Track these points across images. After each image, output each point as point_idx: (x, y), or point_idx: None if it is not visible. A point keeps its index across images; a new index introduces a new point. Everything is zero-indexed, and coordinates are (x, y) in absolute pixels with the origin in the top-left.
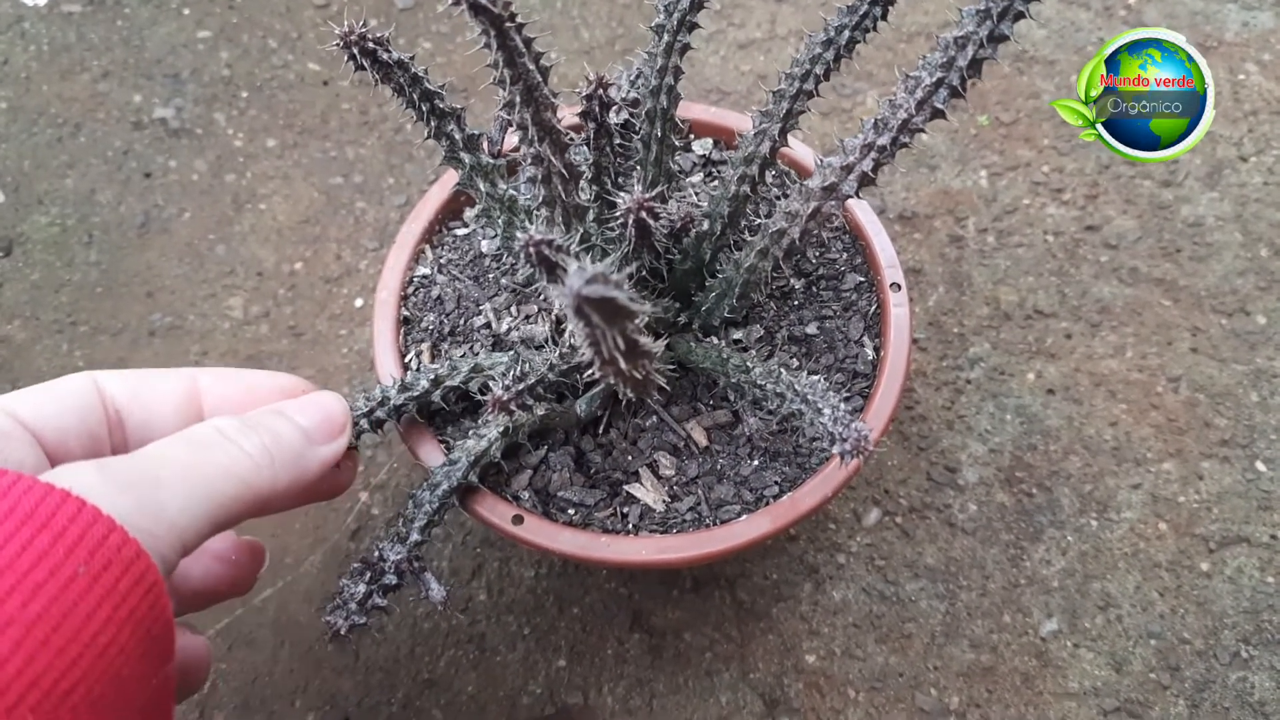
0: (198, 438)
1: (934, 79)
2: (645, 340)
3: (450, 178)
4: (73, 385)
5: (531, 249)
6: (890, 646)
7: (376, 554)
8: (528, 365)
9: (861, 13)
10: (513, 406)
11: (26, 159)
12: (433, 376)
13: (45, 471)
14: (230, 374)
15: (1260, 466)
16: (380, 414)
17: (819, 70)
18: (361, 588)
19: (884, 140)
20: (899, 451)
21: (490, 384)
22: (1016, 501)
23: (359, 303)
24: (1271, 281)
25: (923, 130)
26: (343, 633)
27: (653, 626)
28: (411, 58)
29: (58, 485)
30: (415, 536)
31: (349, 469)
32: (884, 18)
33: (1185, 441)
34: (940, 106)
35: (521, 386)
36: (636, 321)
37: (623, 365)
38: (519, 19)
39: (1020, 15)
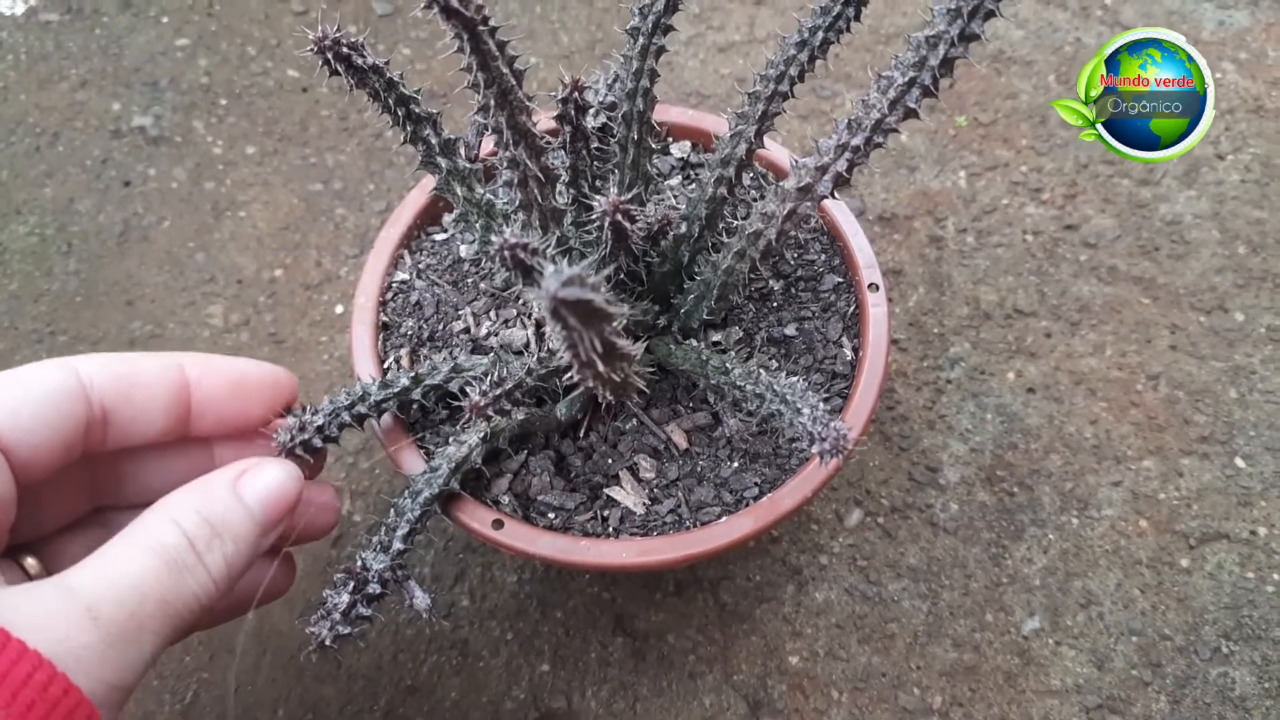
0: (174, 557)
1: (906, 78)
2: (623, 342)
3: (428, 182)
4: (53, 384)
5: (506, 252)
6: (873, 646)
7: (360, 563)
8: (505, 370)
9: (834, 14)
10: (490, 411)
11: (4, 168)
12: (413, 375)
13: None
14: (218, 365)
15: (1239, 462)
16: (361, 409)
17: (793, 72)
18: (345, 598)
19: (858, 140)
20: (880, 452)
21: (468, 387)
22: (998, 500)
23: (339, 309)
24: (1249, 278)
25: (896, 130)
26: (327, 643)
27: (636, 630)
28: (386, 63)
29: (43, 649)
30: (398, 545)
31: (286, 578)
32: (857, 18)
33: (1165, 438)
34: (913, 106)
35: (499, 391)
36: (614, 323)
37: (601, 368)
38: (492, 22)
39: (990, 14)
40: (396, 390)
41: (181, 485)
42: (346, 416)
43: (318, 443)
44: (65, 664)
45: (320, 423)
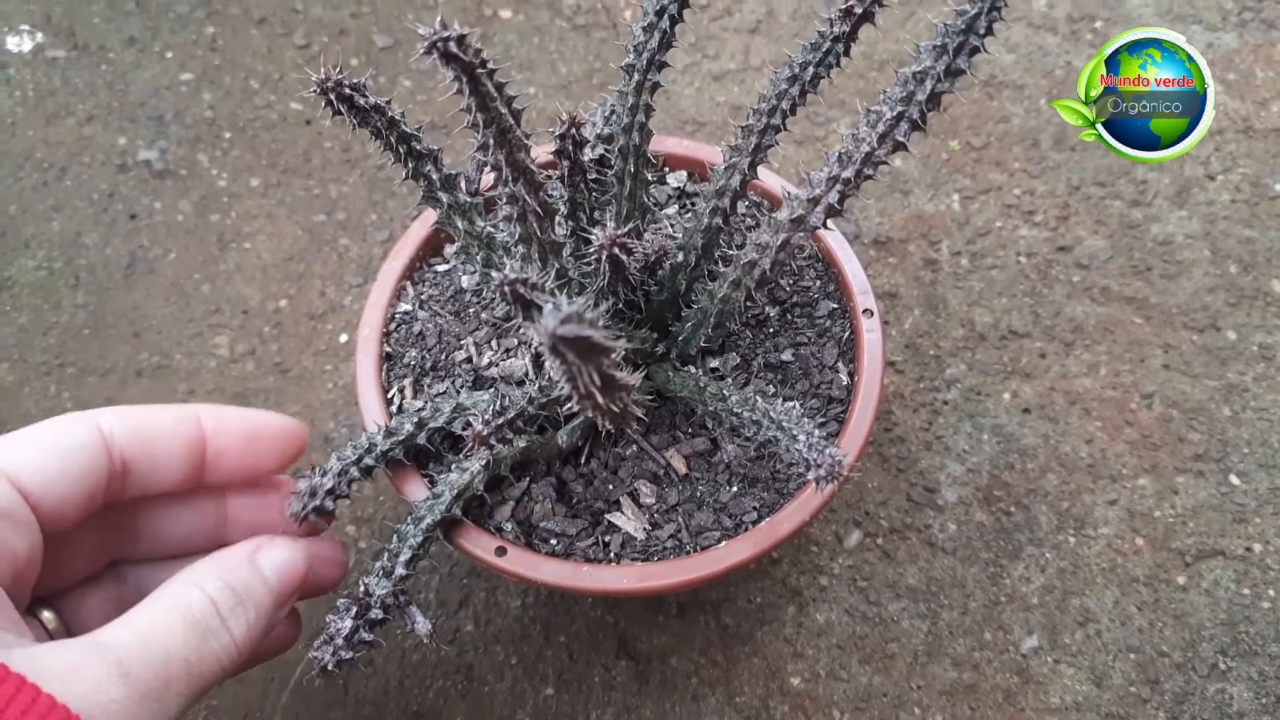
0: (200, 620)
1: (894, 113)
2: (621, 374)
3: (430, 215)
4: (76, 439)
5: (507, 288)
6: (874, 667)
7: (362, 589)
8: (507, 399)
9: (825, 50)
10: (492, 440)
11: (13, 203)
12: (416, 420)
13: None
14: (233, 416)
15: (1234, 480)
16: (369, 461)
17: (785, 105)
18: (348, 623)
19: (848, 173)
20: (878, 473)
21: (471, 420)
22: (995, 520)
23: (344, 338)
24: (1241, 297)
25: (885, 162)
26: (330, 668)
27: (639, 652)
28: (388, 101)
29: (72, 704)
30: (400, 571)
31: (293, 630)
32: (846, 53)
33: (1160, 457)
34: (901, 139)
35: (501, 421)
36: (612, 357)
37: (600, 399)
38: (490, 64)
39: (976, 50)
40: (401, 438)
41: (194, 535)
42: (355, 472)
43: (329, 505)
44: (94, 718)
45: (330, 484)
